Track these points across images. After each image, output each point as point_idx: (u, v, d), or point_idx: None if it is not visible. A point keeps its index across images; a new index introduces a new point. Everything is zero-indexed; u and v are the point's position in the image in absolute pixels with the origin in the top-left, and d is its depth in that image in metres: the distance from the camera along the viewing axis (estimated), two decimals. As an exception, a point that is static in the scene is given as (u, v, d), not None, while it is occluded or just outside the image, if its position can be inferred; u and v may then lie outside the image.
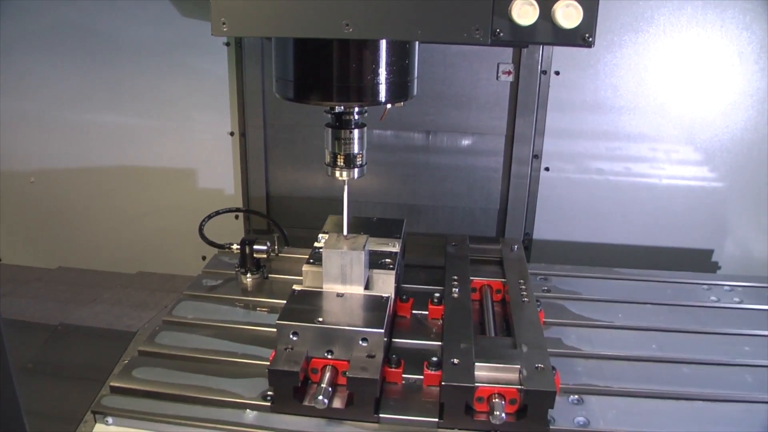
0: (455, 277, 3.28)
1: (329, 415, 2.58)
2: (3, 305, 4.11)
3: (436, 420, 2.56)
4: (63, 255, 5.03)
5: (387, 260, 3.07)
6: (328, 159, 3.07)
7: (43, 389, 3.37)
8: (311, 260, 3.07)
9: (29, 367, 3.52)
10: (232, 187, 4.75)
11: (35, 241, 5.14)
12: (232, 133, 4.64)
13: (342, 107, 2.89)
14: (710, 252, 4.55)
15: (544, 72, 4.28)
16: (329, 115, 2.98)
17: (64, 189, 4.96)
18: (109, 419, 2.63)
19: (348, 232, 3.13)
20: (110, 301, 4.20)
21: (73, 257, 4.99)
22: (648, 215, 4.52)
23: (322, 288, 2.95)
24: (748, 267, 4.50)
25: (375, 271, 3.00)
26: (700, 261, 4.54)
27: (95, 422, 2.64)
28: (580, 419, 2.58)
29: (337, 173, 3.06)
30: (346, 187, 3.16)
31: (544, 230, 4.61)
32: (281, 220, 4.61)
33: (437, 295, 3.20)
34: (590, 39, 2.36)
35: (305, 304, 2.82)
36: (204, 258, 4.72)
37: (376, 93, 2.76)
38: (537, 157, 4.44)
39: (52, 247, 5.12)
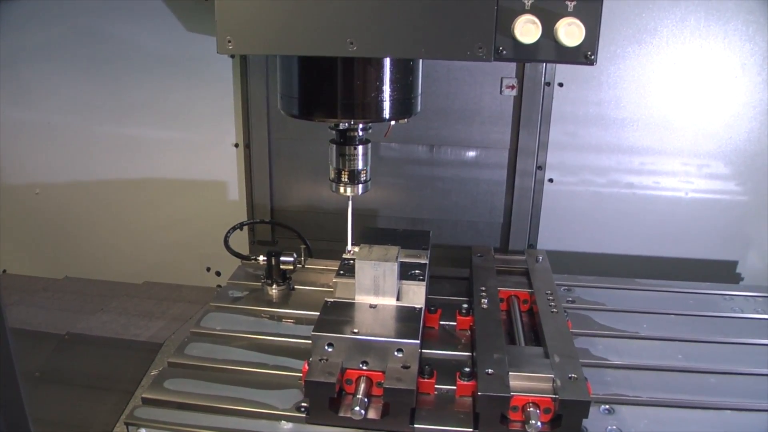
0: (483, 288, 3.29)
1: (365, 425, 2.59)
2: (10, 315, 4.09)
3: (472, 430, 2.58)
4: (69, 265, 4.99)
5: (417, 271, 3.09)
6: (332, 175, 3.10)
7: (50, 397, 3.37)
8: (341, 272, 3.07)
9: (37, 375, 3.50)
10: (237, 199, 4.74)
11: (41, 252, 5.12)
12: (236, 145, 4.63)
13: (346, 124, 2.91)
14: (716, 262, 4.58)
15: (547, 84, 4.28)
16: (333, 131, 2.99)
17: (70, 200, 4.94)
18: (143, 430, 2.62)
19: (352, 243, 3.18)
20: (117, 311, 4.17)
21: (80, 267, 4.96)
22: (651, 226, 4.53)
23: (353, 299, 2.96)
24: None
25: (406, 282, 3.01)
26: (703, 271, 4.57)
27: (128, 433, 2.64)
28: (613, 429, 2.60)
29: (342, 189, 3.09)
30: (350, 203, 3.18)
31: (547, 242, 4.61)
32: (285, 233, 4.61)
33: (465, 306, 3.22)
34: (592, 57, 2.38)
35: (339, 316, 2.83)
36: (209, 269, 4.72)
37: (380, 110, 2.79)
38: (541, 168, 4.45)
39: (59, 257, 5.09)
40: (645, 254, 4.60)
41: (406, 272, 3.08)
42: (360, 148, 3.03)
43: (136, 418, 2.65)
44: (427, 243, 3.42)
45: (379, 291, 2.92)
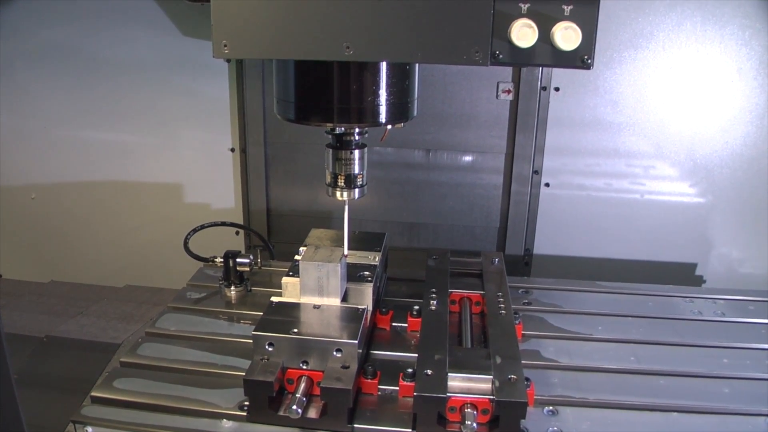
0: (434, 290, 3.29)
1: (303, 425, 2.60)
2: (-3, 318, 4.13)
3: (410, 430, 2.58)
4: (60, 269, 5.07)
5: (366, 273, 3.09)
6: (328, 179, 3.09)
7: (26, 400, 3.38)
8: (290, 273, 3.08)
9: (14, 378, 3.55)
10: (233, 204, 4.77)
11: (33, 256, 5.19)
12: (233, 150, 4.66)
13: (342, 128, 2.91)
14: (718, 267, 4.54)
15: (543, 88, 4.28)
16: (329, 135, 3.00)
17: (64, 205, 5.00)
18: (89, 429, 2.65)
19: (349, 248, 3.19)
20: (96, 314, 4.22)
21: (73, 271, 5.02)
22: (647, 231, 4.50)
23: (300, 300, 2.97)
24: (755, 281, 4.49)
25: (353, 283, 3.03)
26: (698, 276, 4.53)
27: (75, 432, 2.67)
28: (554, 430, 2.59)
29: (338, 194, 3.08)
30: (346, 208, 3.18)
31: (544, 246, 4.60)
32: (282, 237, 4.65)
33: (416, 307, 3.21)
34: (589, 61, 2.37)
35: (282, 316, 2.84)
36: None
37: (377, 114, 2.79)
38: (537, 173, 4.44)
39: (49, 261, 5.15)
40: (641, 258, 4.56)
41: (354, 273, 3.08)
42: (356, 152, 3.02)
43: (82, 417, 2.67)
44: (381, 245, 3.42)
45: (323, 292, 2.92)
